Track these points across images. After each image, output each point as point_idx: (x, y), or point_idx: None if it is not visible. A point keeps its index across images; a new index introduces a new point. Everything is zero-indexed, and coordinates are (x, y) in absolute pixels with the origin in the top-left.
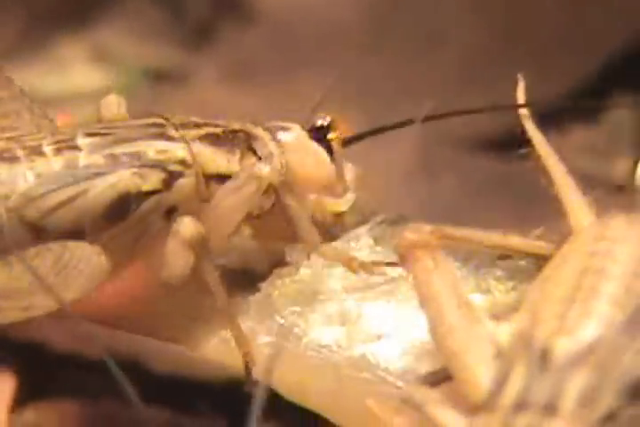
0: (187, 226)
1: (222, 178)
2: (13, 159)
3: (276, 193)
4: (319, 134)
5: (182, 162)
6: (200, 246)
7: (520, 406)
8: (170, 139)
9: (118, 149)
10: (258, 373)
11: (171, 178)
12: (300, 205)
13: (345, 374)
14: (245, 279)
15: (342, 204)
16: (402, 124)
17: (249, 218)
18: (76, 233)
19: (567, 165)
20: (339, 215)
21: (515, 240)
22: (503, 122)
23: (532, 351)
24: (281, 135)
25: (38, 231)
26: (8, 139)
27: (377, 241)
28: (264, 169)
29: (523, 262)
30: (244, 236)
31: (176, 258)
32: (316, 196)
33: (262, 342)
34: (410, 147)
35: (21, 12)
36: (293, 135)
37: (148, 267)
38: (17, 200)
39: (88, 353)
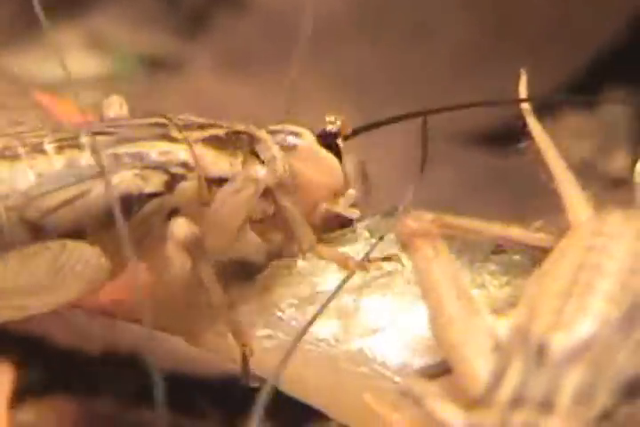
0: (180, 227)
1: (225, 181)
2: (14, 157)
3: (272, 194)
4: (329, 140)
5: (185, 165)
6: (195, 247)
7: (517, 401)
8: (173, 140)
9: (121, 149)
10: (254, 366)
11: (173, 180)
12: (298, 206)
13: (343, 369)
14: (243, 272)
15: (345, 200)
16: (407, 117)
17: (252, 223)
18: (76, 234)
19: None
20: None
21: (515, 231)
22: (498, 116)
23: (529, 346)
24: (291, 140)
25: (38, 231)
26: (9, 136)
27: (372, 233)
28: (260, 172)
29: (517, 257)
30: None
31: (172, 259)
32: (325, 201)
33: (261, 334)
34: (405, 141)
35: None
36: (304, 141)
37: (149, 268)
38: (17, 199)
39: (88, 349)
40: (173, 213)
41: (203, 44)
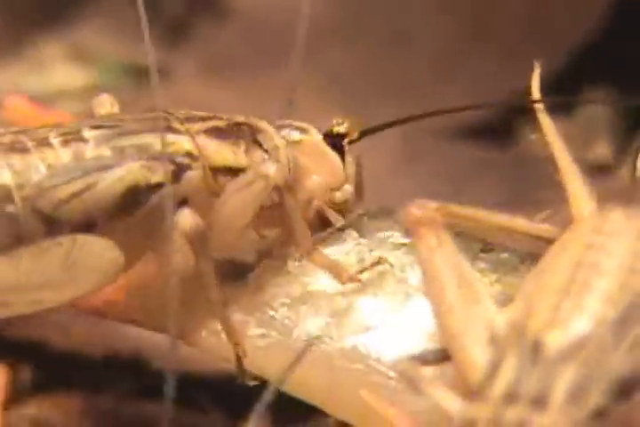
0: (186, 218)
1: (230, 171)
2: (25, 150)
3: (280, 193)
4: (335, 140)
5: (189, 154)
6: (198, 239)
7: (510, 397)
8: (175, 131)
9: (125, 142)
10: (248, 365)
11: (179, 170)
12: (302, 209)
13: (338, 366)
14: (235, 271)
15: (341, 195)
16: (410, 119)
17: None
18: (88, 225)
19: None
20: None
21: (519, 222)
22: (483, 112)
23: (525, 342)
24: (296, 134)
25: (51, 223)
26: (16, 132)
27: (361, 233)
28: (271, 168)
29: (505, 255)
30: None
31: (177, 251)
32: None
33: (254, 333)
34: (392, 138)
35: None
36: (310, 136)
37: (156, 260)
38: (31, 190)
39: (88, 352)
40: (182, 203)
41: (186, 53)
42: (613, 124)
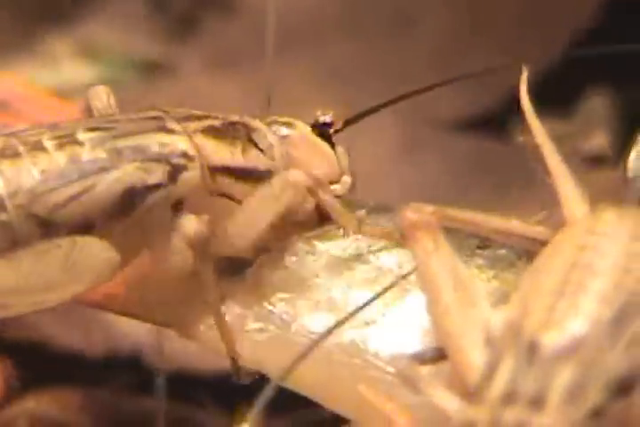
0: (191, 224)
1: (228, 170)
2: (16, 156)
3: (310, 191)
4: (322, 130)
5: (185, 155)
6: (201, 245)
7: (508, 397)
8: (171, 132)
9: (120, 143)
10: (246, 360)
11: (175, 171)
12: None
13: (336, 360)
14: (232, 266)
15: (341, 187)
16: (392, 102)
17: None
18: (85, 227)
19: None
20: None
21: (515, 225)
22: (481, 103)
23: (521, 343)
24: (285, 131)
25: (48, 226)
26: (7, 135)
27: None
28: (299, 175)
29: (502, 251)
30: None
31: (176, 253)
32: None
33: (252, 327)
34: (391, 129)
35: (7, 10)
36: (297, 130)
37: (152, 259)
38: (24, 196)
39: (89, 351)
40: (178, 204)
41: (193, 47)
42: (610, 117)
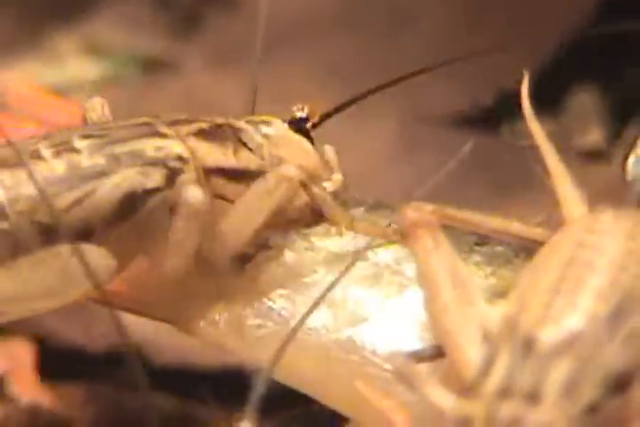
0: (194, 193)
1: (221, 172)
2: (15, 165)
3: (303, 186)
4: (299, 125)
5: (180, 158)
6: (206, 214)
7: (504, 392)
8: (164, 136)
9: (117, 149)
10: (246, 356)
11: (172, 174)
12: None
13: (333, 357)
14: (231, 262)
15: (332, 184)
16: (371, 92)
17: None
18: (85, 233)
19: None
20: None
21: (514, 225)
22: (479, 100)
23: (517, 339)
24: (264, 129)
25: (49, 233)
26: (3, 146)
27: None
28: (291, 170)
29: (500, 248)
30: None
31: (181, 227)
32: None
33: (251, 323)
34: (389, 127)
35: (13, 8)
36: (276, 128)
37: (150, 264)
38: (26, 203)
39: (92, 347)
40: (175, 207)
41: (196, 44)
42: (604, 113)
